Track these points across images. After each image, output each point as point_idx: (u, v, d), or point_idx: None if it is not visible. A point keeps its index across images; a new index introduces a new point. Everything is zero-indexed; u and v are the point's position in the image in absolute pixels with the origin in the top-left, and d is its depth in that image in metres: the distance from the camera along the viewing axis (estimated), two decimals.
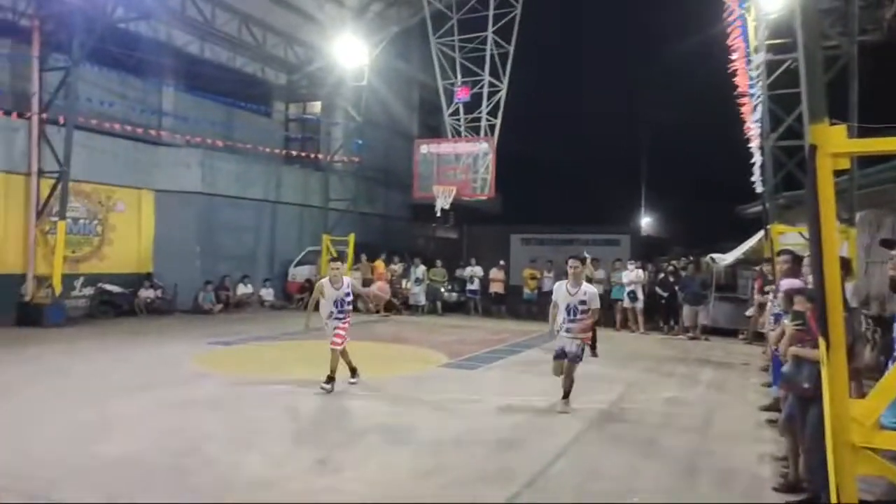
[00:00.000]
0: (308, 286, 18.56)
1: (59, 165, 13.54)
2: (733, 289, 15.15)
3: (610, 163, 31.18)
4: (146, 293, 15.61)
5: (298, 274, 19.17)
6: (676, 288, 14.70)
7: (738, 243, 15.48)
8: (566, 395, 7.09)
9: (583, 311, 6.92)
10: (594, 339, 10.32)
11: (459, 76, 19.90)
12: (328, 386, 7.60)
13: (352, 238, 18.78)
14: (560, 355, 7.00)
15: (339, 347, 7.77)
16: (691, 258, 16.23)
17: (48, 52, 13.98)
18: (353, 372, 8.19)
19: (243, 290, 17.65)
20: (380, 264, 17.94)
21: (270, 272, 19.26)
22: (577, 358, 6.98)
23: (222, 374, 8.83)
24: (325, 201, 20.95)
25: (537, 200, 27.20)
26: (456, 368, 9.83)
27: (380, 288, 7.91)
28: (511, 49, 19.47)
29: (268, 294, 18.29)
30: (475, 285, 18.19)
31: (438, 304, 18.14)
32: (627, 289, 15.09)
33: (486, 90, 19.51)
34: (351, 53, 19.00)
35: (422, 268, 18.08)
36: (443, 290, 18.45)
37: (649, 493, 4.75)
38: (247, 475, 4.89)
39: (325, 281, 8.08)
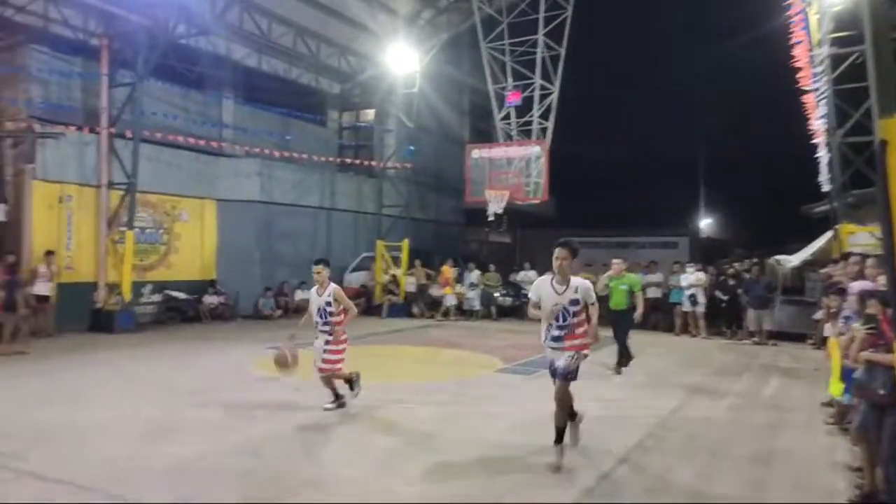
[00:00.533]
0: (364, 291, 18.86)
1: (127, 177, 14.18)
2: (800, 291, 14.57)
3: (667, 163, 30.46)
4: (210, 299, 16.14)
5: (354, 279, 19.46)
6: (738, 291, 14.23)
7: (803, 244, 14.88)
8: (559, 437, 5.31)
9: (576, 314, 5.32)
10: (624, 353, 9.70)
11: (510, 80, 19.86)
12: (332, 405, 7.05)
13: (406, 244, 18.96)
14: (553, 373, 5.45)
15: (328, 374, 7.03)
16: (755, 260, 15.68)
17: (116, 69, 14.63)
18: (336, 397, 7.15)
19: (301, 295, 18.01)
20: (447, 269, 17.99)
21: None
22: (569, 374, 5.29)
23: (283, 378, 9.03)
24: (379, 207, 21.22)
25: (592, 203, 26.78)
26: (511, 373, 9.79)
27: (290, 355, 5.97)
28: (562, 51, 19.31)
29: None
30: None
31: (493, 308, 18.11)
32: (687, 292, 14.70)
33: (537, 93, 19.42)
34: (402, 61, 19.22)
35: (476, 272, 18.09)
36: (497, 294, 18.42)
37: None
38: (306, 477, 4.99)
39: (313, 289, 7.24)
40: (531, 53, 19.28)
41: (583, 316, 5.39)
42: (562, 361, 5.32)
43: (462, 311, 18.09)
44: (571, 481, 4.92)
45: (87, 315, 13.79)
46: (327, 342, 6.97)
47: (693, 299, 14.59)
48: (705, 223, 36.33)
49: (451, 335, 14.06)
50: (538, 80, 19.23)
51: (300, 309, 17.67)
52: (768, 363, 11.19)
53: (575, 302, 5.28)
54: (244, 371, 9.56)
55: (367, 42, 20.56)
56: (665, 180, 29.88)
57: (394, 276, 18.72)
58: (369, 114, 23.12)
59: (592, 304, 5.41)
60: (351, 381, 7.23)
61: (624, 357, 9.75)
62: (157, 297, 15.44)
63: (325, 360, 6.97)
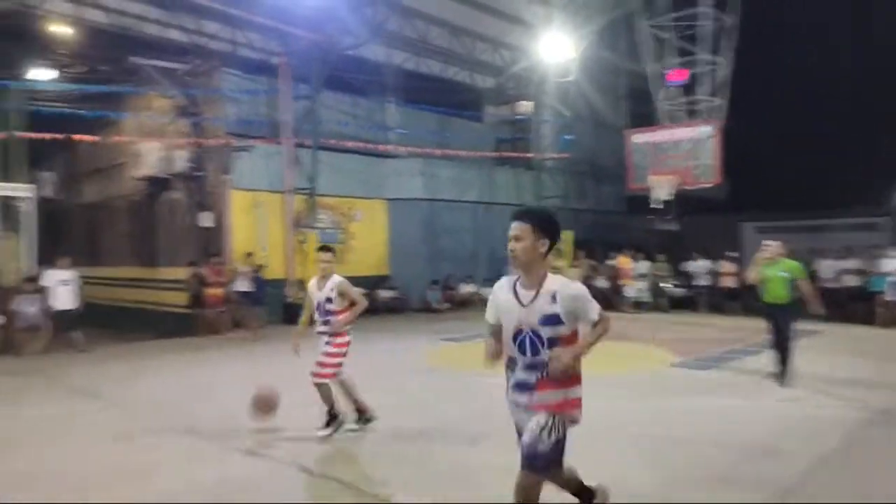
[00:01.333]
0: None
1: (309, 182, 15.47)
2: None
3: (861, 136, 27.13)
4: (384, 293, 17.13)
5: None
6: None
7: None
8: None
9: (554, 341, 3.13)
10: (785, 361, 7.55)
11: (673, 58, 18.83)
12: (326, 431, 5.74)
13: (569, 235, 18.74)
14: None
15: (323, 380, 5.73)
16: None
17: (294, 84, 15.98)
18: (360, 414, 5.94)
19: (466, 289, 18.54)
20: (625, 260, 17.43)
21: (490, 271, 19.97)
22: (538, 461, 3.07)
23: (453, 368, 9.41)
24: (538, 199, 21.16)
25: (772, 184, 24.56)
26: (687, 368, 9.33)
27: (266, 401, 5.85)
28: (733, 21, 17.94)
29: (490, 292, 18.93)
30: (703, 280, 17.08)
31: (663, 300, 17.36)
32: (889, 279, 13.09)
33: (705, 69, 18.23)
34: (557, 50, 18.97)
35: (646, 262, 17.42)
36: (667, 285, 17.61)
37: None
38: (482, 460, 5.14)
39: (313, 281, 5.99)
40: (697, 27, 18.13)
41: (567, 344, 3.14)
42: (534, 430, 3.06)
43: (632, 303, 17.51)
44: (760, 486, 4.60)
45: (281, 308, 15.25)
46: (327, 343, 5.77)
47: None
48: None
49: (619, 327, 13.64)
50: (705, 56, 18.04)
51: (466, 302, 18.22)
52: None
53: (551, 320, 3.08)
54: (419, 360, 10.10)
55: (521, 34, 20.54)
56: (859, 155, 26.63)
57: (555, 268, 18.56)
58: (524, 106, 23.11)
59: (594, 321, 3.16)
60: (330, 414, 5.75)
61: (785, 366, 7.78)
62: None
63: (317, 363, 5.75)
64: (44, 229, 14.11)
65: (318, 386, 5.70)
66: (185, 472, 5.04)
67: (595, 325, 3.19)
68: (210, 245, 15.09)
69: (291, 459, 5.24)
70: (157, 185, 16.81)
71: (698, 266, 17.16)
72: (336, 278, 5.80)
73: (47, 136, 13.11)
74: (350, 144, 17.14)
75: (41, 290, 11.49)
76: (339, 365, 5.78)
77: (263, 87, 16.07)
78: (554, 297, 3.11)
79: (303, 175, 15.69)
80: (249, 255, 14.44)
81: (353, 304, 5.81)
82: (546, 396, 3.16)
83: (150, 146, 16.41)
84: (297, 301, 15.13)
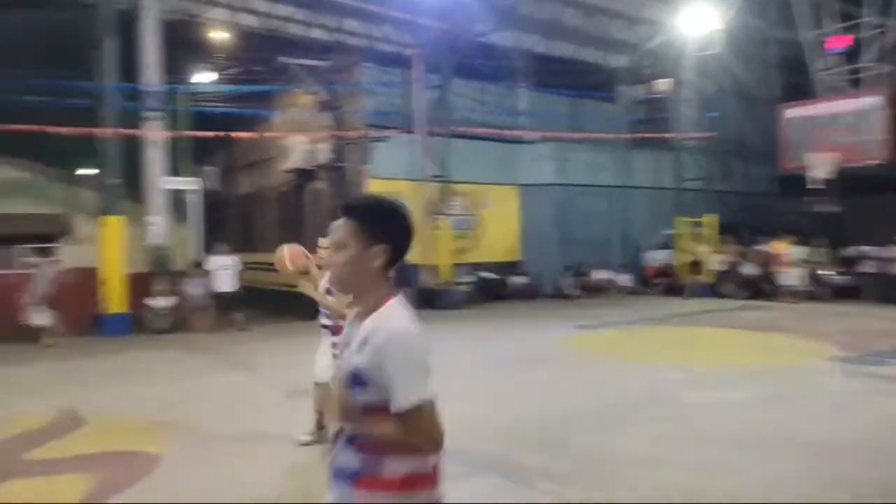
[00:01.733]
0: (666, 271, 18.20)
1: (442, 170, 15.80)
2: None
3: None
4: (516, 279, 17.17)
5: (654, 258, 18.89)
6: None
7: None
8: None
9: (367, 410, 1.73)
10: None
11: (834, 22, 17.07)
12: (307, 438, 5.25)
13: (714, 219, 17.70)
14: None
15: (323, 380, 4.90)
16: None
17: (426, 74, 16.32)
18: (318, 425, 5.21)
19: (600, 275, 18.11)
20: (779, 245, 15.85)
21: (624, 257, 19.37)
22: None
23: (589, 355, 9.25)
24: (678, 182, 20.12)
25: None
26: (849, 363, 8.49)
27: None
28: None
29: (624, 279, 18.42)
30: (869, 267, 15.40)
31: (824, 288, 15.85)
32: None
33: (871, 34, 16.37)
34: (699, 21, 17.85)
35: (803, 248, 15.97)
36: (827, 272, 16.08)
37: None
38: (621, 452, 5.05)
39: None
40: None
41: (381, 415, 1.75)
42: None
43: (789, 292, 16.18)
44: None
45: (415, 293, 15.75)
46: (328, 341, 5.02)
47: None
48: None
49: (771, 318, 12.77)
50: (871, 19, 16.19)
51: (599, 288, 17.81)
52: None
53: (355, 378, 1.74)
54: (555, 345, 10.04)
55: (658, 8, 19.55)
56: None
57: (698, 253, 17.63)
58: (662, 84, 21.97)
59: (399, 410, 1.67)
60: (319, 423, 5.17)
61: None
62: (470, 278, 16.94)
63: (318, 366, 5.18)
64: (206, 219, 15.55)
65: (317, 385, 5.14)
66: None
67: (400, 420, 1.66)
68: None
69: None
70: (303, 176, 17.92)
71: (863, 251, 15.51)
72: None
73: (210, 134, 14.38)
74: (481, 131, 17.25)
75: (206, 274, 12.70)
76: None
77: (398, 79, 16.57)
78: (365, 342, 1.74)
79: (436, 163, 16.04)
80: None
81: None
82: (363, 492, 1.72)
83: (296, 140, 17.52)
84: (433, 287, 15.60)
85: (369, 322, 1.75)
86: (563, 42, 19.69)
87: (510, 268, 17.45)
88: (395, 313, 1.77)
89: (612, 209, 19.63)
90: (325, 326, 5.11)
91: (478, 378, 7.86)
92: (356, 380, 1.73)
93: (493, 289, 17.02)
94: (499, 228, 17.80)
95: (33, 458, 5.32)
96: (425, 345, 1.73)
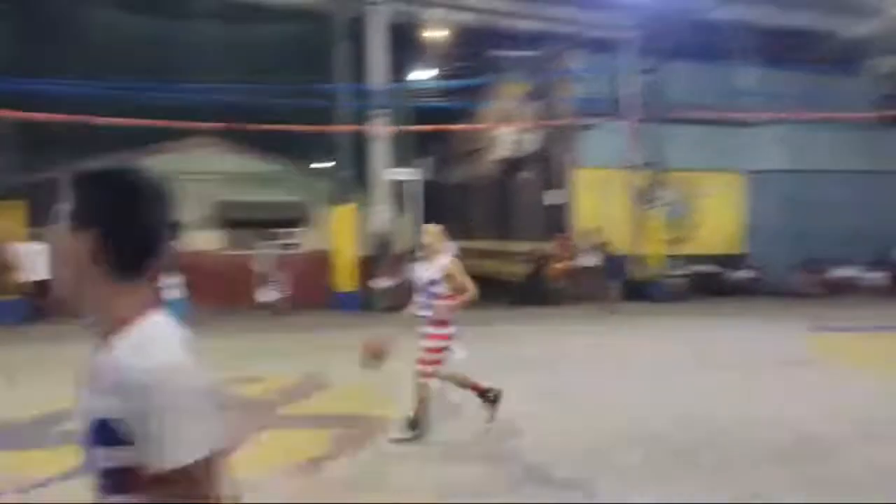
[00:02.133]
0: None
1: (654, 157, 15.06)
2: None
3: None
4: (738, 273, 15.85)
5: None
6: None
7: None
8: None
9: (108, 479, 1.15)
10: None
11: None
12: (403, 434, 5.14)
13: None
14: None
15: (424, 380, 5.06)
16: None
17: (639, 57, 15.61)
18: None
19: (841, 272, 15.99)
20: None
21: (874, 253, 16.80)
22: None
23: (833, 363, 8.21)
24: None
25: None
26: None
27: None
28: None
29: (873, 277, 16.02)
30: None
31: None
32: None
33: None
34: None
35: None
36: None
37: None
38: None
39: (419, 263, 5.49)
40: None
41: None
42: None
43: None
44: None
45: (622, 284, 15.22)
46: (426, 334, 5.08)
47: None
48: None
49: None
50: None
51: (840, 287, 15.69)
52: None
53: (97, 433, 1.14)
54: (793, 348, 9.04)
55: None
56: None
57: None
58: None
59: (161, 473, 1.08)
60: (414, 418, 5.12)
61: None
62: (684, 270, 15.94)
63: (419, 360, 5.08)
64: (425, 206, 16.51)
65: (419, 385, 5.08)
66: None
67: (158, 485, 1.10)
68: (556, 221, 15.83)
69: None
70: (511, 165, 18.25)
71: None
72: (446, 259, 5.16)
73: (428, 128, 15.24)
74: (698, 115, 16.07)
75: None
76: (440, 362, 5.05)
77: (608, 65, 16.09)
78: (110, 380, 1.14)
79: (647, 150, 15.33)
80: (594, 230, 14.73)
81: (461, 290, 5.08)
82: None
83: (504, 131, 17.88)
84: (643, 278, 14.97)
85: (115, 352, 1.14)
86: (796, 12, 17.56)
87: (731, 261, 16.11)
88: (151, 337, 1.16)
89: (858, 198, 17.12)
90: (425, 317, 5.15)
91: (710, 380, 7.37)
92: (97, 435, 1.13)
93: (711, 283, 15.86)
94: (718, 218, 16.50)
95: (283, 414, 6.09)
96: (200, 381, 1.15)
